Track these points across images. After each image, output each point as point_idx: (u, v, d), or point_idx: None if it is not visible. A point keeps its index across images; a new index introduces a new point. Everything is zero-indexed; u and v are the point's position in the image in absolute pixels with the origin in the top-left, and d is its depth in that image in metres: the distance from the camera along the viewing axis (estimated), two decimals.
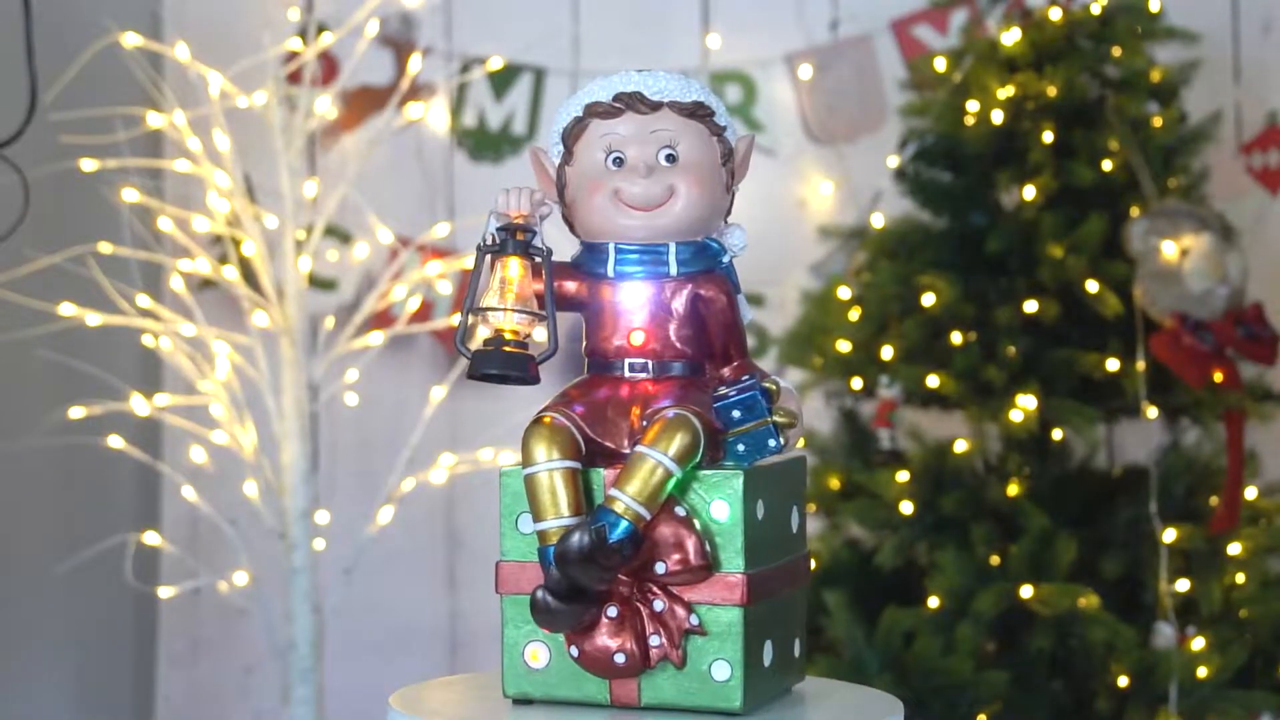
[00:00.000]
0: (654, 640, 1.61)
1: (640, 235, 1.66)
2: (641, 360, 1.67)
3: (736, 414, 1.61)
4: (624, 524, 1.57)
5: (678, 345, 1.67)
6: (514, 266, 1.64)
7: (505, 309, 1.63)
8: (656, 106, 1.68)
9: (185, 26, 3.67)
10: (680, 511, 1.60)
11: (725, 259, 1.69)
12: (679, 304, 1.67)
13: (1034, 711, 2.99)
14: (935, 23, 3.90)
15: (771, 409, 1.61)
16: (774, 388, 1.63)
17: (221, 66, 3.36)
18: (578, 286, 1.70)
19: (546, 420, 1.63)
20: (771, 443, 1.61)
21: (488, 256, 1.65)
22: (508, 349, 1.63)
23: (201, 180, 3.37)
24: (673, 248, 1.67)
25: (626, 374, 1.67)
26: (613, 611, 1.61)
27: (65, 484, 3.70)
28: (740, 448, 1.62)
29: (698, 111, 1.68)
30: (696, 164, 1.67)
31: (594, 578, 1.58)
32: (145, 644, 3.94)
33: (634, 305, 1.67)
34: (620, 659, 1.61)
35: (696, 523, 1.60)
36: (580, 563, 1.57)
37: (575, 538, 1.57)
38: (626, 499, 1.58)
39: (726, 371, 1.68)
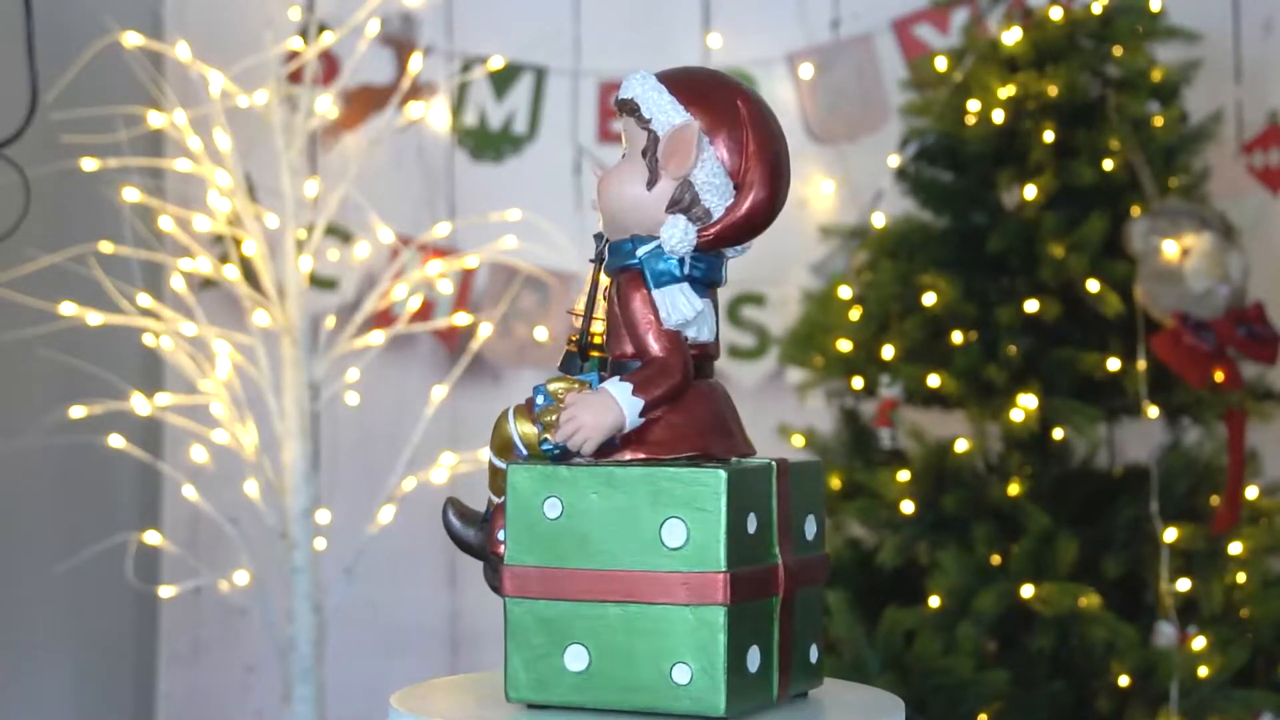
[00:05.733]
0: None
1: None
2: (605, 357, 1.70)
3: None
4: (489, 508, 1.71)
5: (612, 341, 1.65)
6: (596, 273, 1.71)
7: (580, 315, 1.71)
8: (621, 109, 1.68)
9: (186, 26, 3.67)
10: (495, 500, 1.70)
11: (639, 254, 1.61)
12: (611, 301, 1.66)
13: (1035, 711, 2.99)
14: (936, 22, 3.91)
15: (542, 410, 1.63)
16: (554, 388, 1.63)
17: (222, 66, 3.36)
18: None
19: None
20: (542, 444, 1.63)
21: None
22: (574, 349, 1.71)
23: (202, 179, 3.37)
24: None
25: None
26: None
27: (66, 483, 3.70)
28: (544, 446, 1.63)
29: (625, 108, 1.66)
30: (621, 160, 1.66)
31: (465, 550, 1.73)
32: (146, 643, 3.94)
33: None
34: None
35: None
36: (447, 534, 1.74)
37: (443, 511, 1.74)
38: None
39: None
